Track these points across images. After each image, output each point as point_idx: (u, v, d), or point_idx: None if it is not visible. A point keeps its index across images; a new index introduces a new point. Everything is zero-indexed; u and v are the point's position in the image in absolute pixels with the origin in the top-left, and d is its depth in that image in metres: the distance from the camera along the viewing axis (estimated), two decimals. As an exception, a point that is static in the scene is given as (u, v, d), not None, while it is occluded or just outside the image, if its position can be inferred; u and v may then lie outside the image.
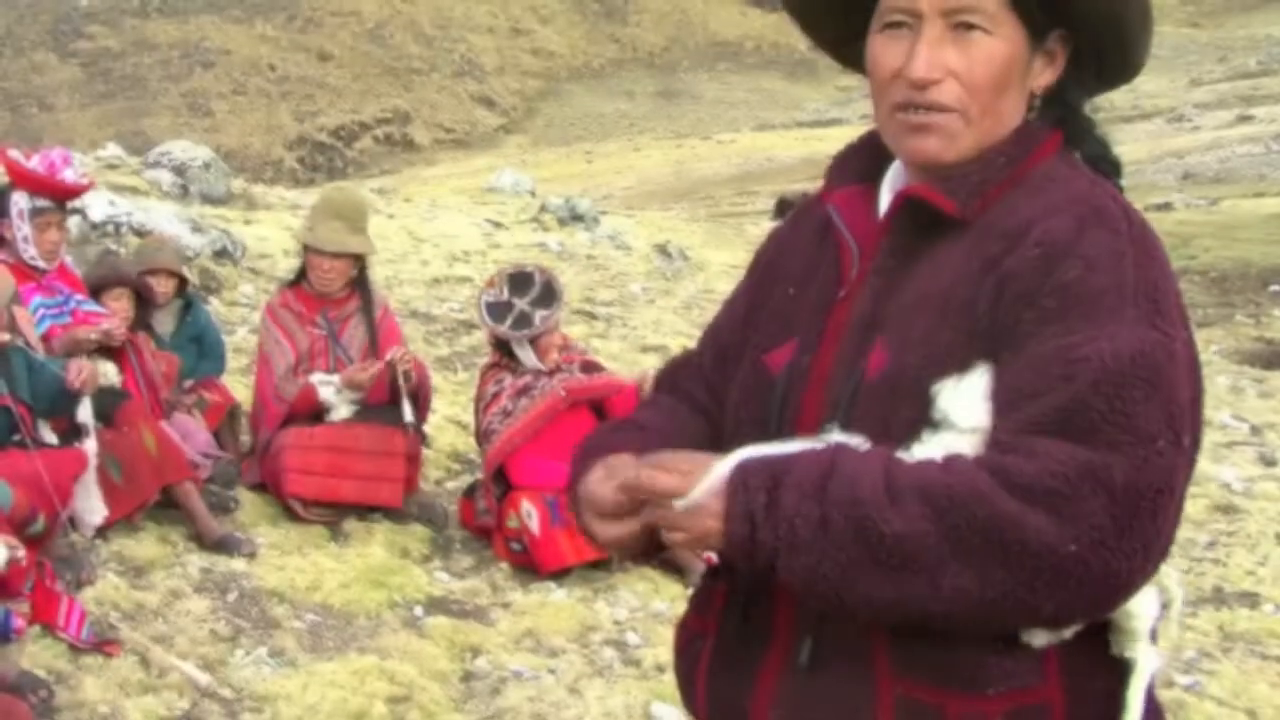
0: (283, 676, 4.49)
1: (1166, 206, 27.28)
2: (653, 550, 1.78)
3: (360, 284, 6.30)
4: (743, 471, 1.58)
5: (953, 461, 1.53)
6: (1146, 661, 1.62)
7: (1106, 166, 1.76)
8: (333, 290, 6.23)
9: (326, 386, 5.98)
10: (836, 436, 1.61)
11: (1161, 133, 45.67)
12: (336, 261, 6.17)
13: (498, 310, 5.96)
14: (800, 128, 74.52)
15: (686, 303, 13.67)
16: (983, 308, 1.60)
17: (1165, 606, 1.66)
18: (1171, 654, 5.66)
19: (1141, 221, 1.64)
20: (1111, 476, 1.46)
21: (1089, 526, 1.45)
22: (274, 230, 12.27)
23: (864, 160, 1.87)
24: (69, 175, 5.63)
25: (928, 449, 1.57)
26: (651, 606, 5.52)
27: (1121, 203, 1.66)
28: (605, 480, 1.72)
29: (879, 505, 1.50)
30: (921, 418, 1.59)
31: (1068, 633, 1.59)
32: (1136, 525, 1.47)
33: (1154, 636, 1.65)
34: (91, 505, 4.95)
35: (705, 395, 1.96)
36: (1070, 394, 1.50)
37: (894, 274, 1.72)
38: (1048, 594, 1.48)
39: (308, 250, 6.20)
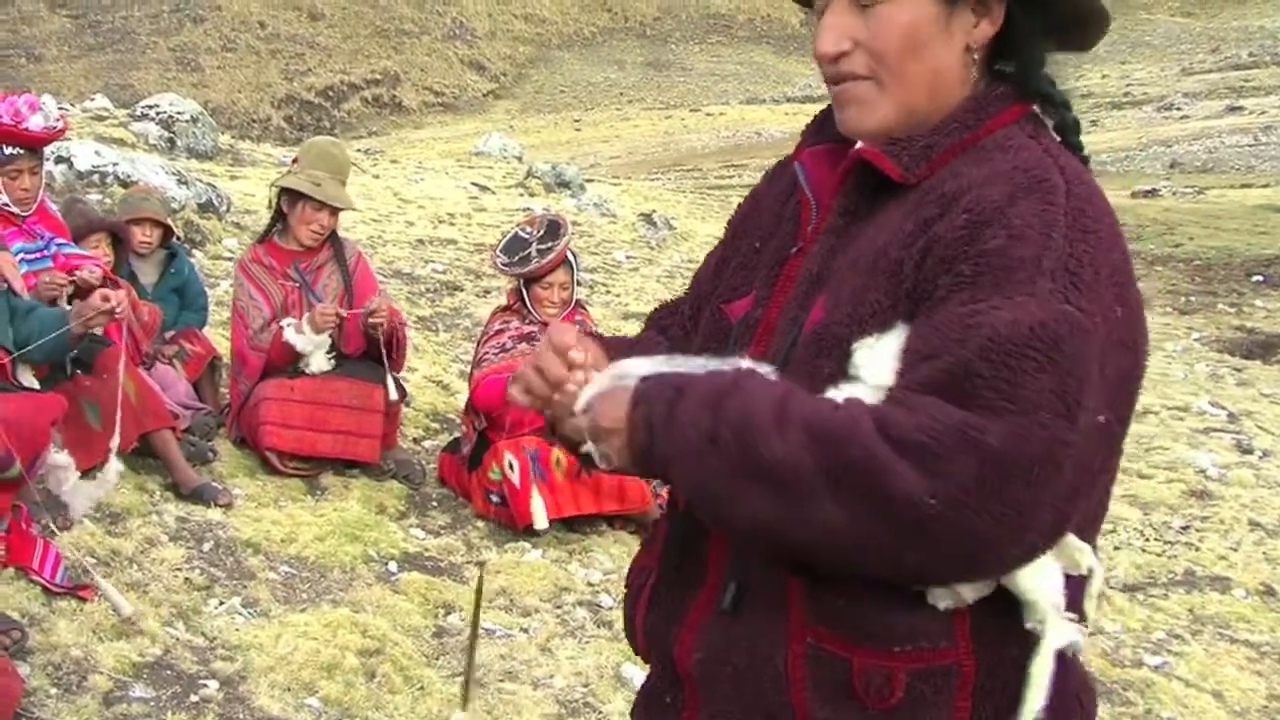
0: (256, 627, 4.49)
1: (1153, 193, 27.35)
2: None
3: (331, 234, 6.27)
4: (647, 385, 1.61)
5: (847, 403, 1.54)
6: (1054, 634, 1.60)
7: (1069, 135, 1.75)
8: (318, 243, 6.20)
9: (292, 328, 5.95)
10: (747, 363, 1.63)
11: (1151, 120, 45.73)
12: (333, 216, 6.17)
13: (515, 244, 6.03)
14: (790, 103, 74.33)
15: (670, 272, 13.68)
16: (908, 270, 1.61)
17: (1085, 580, 1.64)
18: (1140, 633, 5.71)
19: (1088, 195, 1.61)
20: (984, 439, 1.45)
21: (953, 485, 1.44)
22: (260, 186, 12.20)
23: None
24: (36, 122, 5.52)
25: (833, 395, 1.59)
26: (625, 569, 5.45)
27: (1070, 174, 1.63)
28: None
29: (766, 429, 1.50)
30: (841, 372, 1.61)
31: (968, 595, 1.58)
32: (1006, 492, 1.45)
33: (1077, 611, 1.63)
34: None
35: (684, 338, 2.00)
36: (958, 357, 1.50)
37: (842, 233, 1.73)
38: (908, 545, 1.47)
39: (301, 201, 6.09)
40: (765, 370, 1.62)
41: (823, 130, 1.87)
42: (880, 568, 1.53)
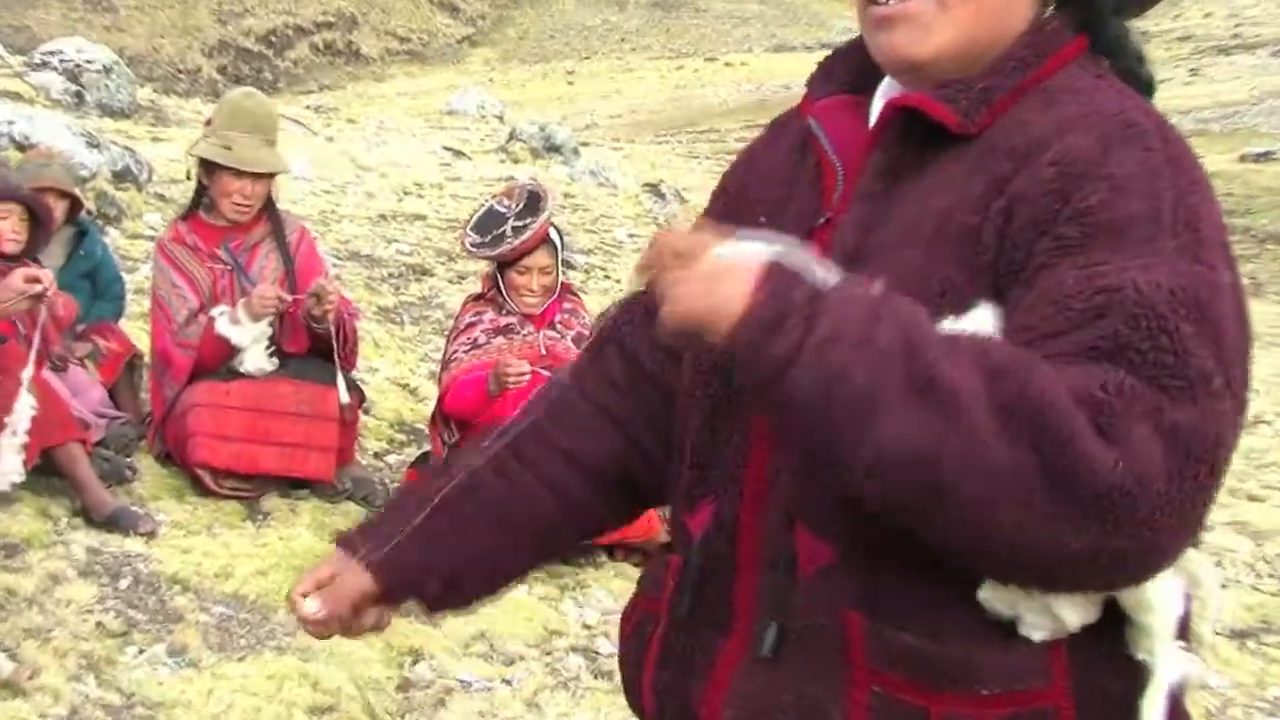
0: (183, 680, 4.47)
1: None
2: None
3: (267, 205, 6.30)
4: (788, 260, 1.56)
5: (1012, 342, 1.54)
6: (1168, 666, 1.61)
7: (1137, 84, 1.76)
8: (247, 218, 6.24)
9: (224, 319, 5.96)
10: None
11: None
12: (258, 184, 6.19)
13: (488, 220, 6.06)
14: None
15: None
16: (988, 237, 1.62)
17: (1196, 600, 1.65)
18: (1252, 688, 5.69)
19: (1180, 141, 1.64)
20: (1162, 415, 1.46)
21: (1137, 452, 1.44)
22: (186, 148, 12.20)
23: (855, 66, 1.88)
24: None
25: None
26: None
27: (1156, 117, 1.65)
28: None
29: (935, 339, 1.50)
30: None
31: (1072, 620, 1.59)
32: (1188, 474, 1.45)
33: (1185, 636, 1.64)
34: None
35: (651, 356, 1.99)
36: (1102, 330, 1.50)
37: (882, 199, 1.73)
38: (1074, 517, 1.45)
39: (219, 172, 6.15)
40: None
41: (832, 78, 1.89)
42: (1024, 544, 1.48)
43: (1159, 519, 1.45)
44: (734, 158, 2.12)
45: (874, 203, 1.73)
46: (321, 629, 1.94)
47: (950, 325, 1.56)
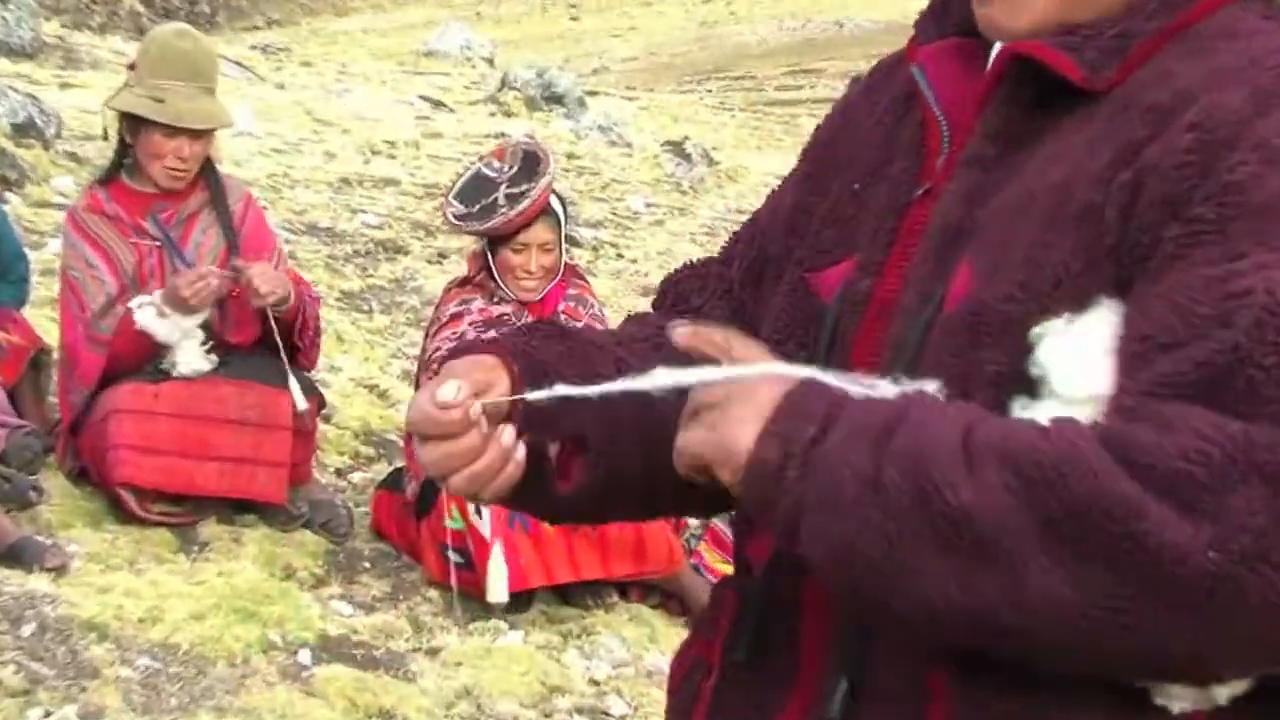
0: (99, 750, 4.47)
1: None
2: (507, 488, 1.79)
3: (205, 168, 6.19)
4: (798, 391, 1.58)
5: (1055, 425, 1.49)
6: None
7: None
8: (183, 184, 6.12)
9: (147, 309, 5.82)
10: (927, 385, 1.60)
11: None
12: (196, 143, 6.05)
13: (475, 187, 6.03)
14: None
15: (710, 226, 13.72)
16: (1111, 217, 1.58)
17: None
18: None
19: None
20: (1277, 461, 1.39)
21: (1238, 528, 1.38)
22: (104, 99, 12.18)
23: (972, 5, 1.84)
24: None
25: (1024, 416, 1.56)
26: (645, 661, 5.51)
27: None
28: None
29: (950, 466, 1.48)
30: (1013, 371, 1.59)
31: (1222, 694, 1.54)
32: None
33: None
34: None
35: (729, 319, 1.97)
36: (1223, 342, 1.45)
37: (994, 166, 1.72)
38: (1176, 620, 1.43)
39: (148, 128, 6.01)
40: (932, 388, 1.60)
41: (947, 15, 1.87)
42: (1136, 660, 1.49)
43: None
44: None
45: (984, 170, 1.71)
46: (456, 430, 1.74)
47: (1060, 330, 1.55)
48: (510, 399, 1.78)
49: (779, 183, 2.08)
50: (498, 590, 5.47)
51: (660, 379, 1.67)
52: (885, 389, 1.59)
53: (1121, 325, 1.53)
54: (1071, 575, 1.43)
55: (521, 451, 1.78)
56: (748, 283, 2.01)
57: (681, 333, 1.69)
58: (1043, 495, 1.43)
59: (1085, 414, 1.51)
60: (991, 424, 1.52)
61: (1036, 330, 1.56)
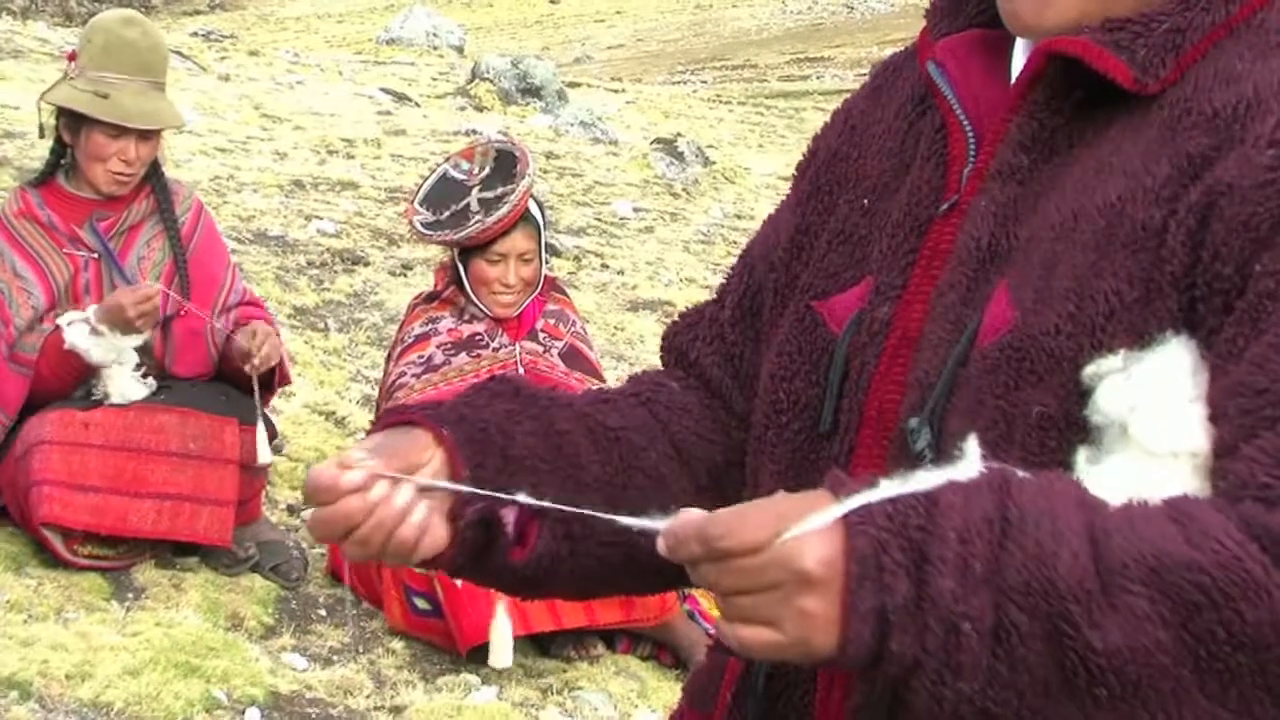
0: (21, 824, 4.54)
1: None
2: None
3: (151, 172, 6.09)
4: (862, 543, 1.43)
5: (1185, 511, 1.42)
6: None
7: None
8: (127, 189, 6.01)
9: (78, 327, 5.71)
10: (973, 461, 1.50)
11: None
12: (144, 144, 5.94)
13: (443, 191, 5.94)
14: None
15: (706, 233, 13.82)
16: (1176, 241, 1.55)
17: None
18: None
19: None
20: None
21: None
22: (28, 92, 12.21)
23: None
24: None
25: (1100, 479, 1.50)
26: (635, 719, 5.46)
27: None
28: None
29: (1086, 596, 1.39)
30: (1063, 415, 1.56)
31: None
32: None
33: None
34: None
35: (720, 369, 2.01)
36: None
37: (1030, 178, 1.70)
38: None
39: (90, 127, 5.89)
40: (972, 470, 1.49)
41: (963, 4, 1.87)
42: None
43: None
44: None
45: (1018, 183, 1.70)
46: (349, 509, 1.71)
47: (1120, 369, 1.51)
48: (451, 488, 1.75)
49: (779, 198, 2.08)
50: (501, 654, 5.28)
51: (632, 519, 1.57)
52: (926, 480, 1.46)
53: (1223, 373, 1.48)
54: (1231, 707, 1.37)
55: (420, 514, 1.74)
56: (739, 321, 2.00)
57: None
58: (1208, 626, 1.36)
59: (1174, 472, 1.47)
60: (1115, 520, 1.42)
61: (1091, 370, 1.54)
